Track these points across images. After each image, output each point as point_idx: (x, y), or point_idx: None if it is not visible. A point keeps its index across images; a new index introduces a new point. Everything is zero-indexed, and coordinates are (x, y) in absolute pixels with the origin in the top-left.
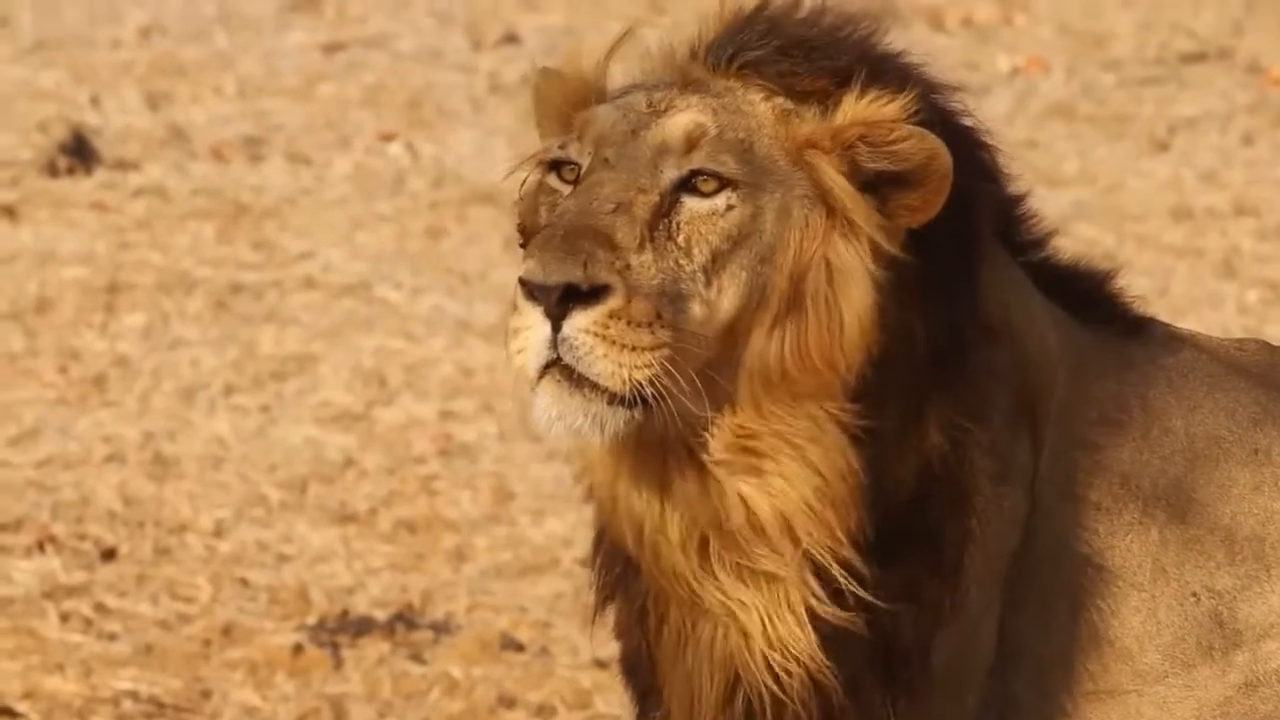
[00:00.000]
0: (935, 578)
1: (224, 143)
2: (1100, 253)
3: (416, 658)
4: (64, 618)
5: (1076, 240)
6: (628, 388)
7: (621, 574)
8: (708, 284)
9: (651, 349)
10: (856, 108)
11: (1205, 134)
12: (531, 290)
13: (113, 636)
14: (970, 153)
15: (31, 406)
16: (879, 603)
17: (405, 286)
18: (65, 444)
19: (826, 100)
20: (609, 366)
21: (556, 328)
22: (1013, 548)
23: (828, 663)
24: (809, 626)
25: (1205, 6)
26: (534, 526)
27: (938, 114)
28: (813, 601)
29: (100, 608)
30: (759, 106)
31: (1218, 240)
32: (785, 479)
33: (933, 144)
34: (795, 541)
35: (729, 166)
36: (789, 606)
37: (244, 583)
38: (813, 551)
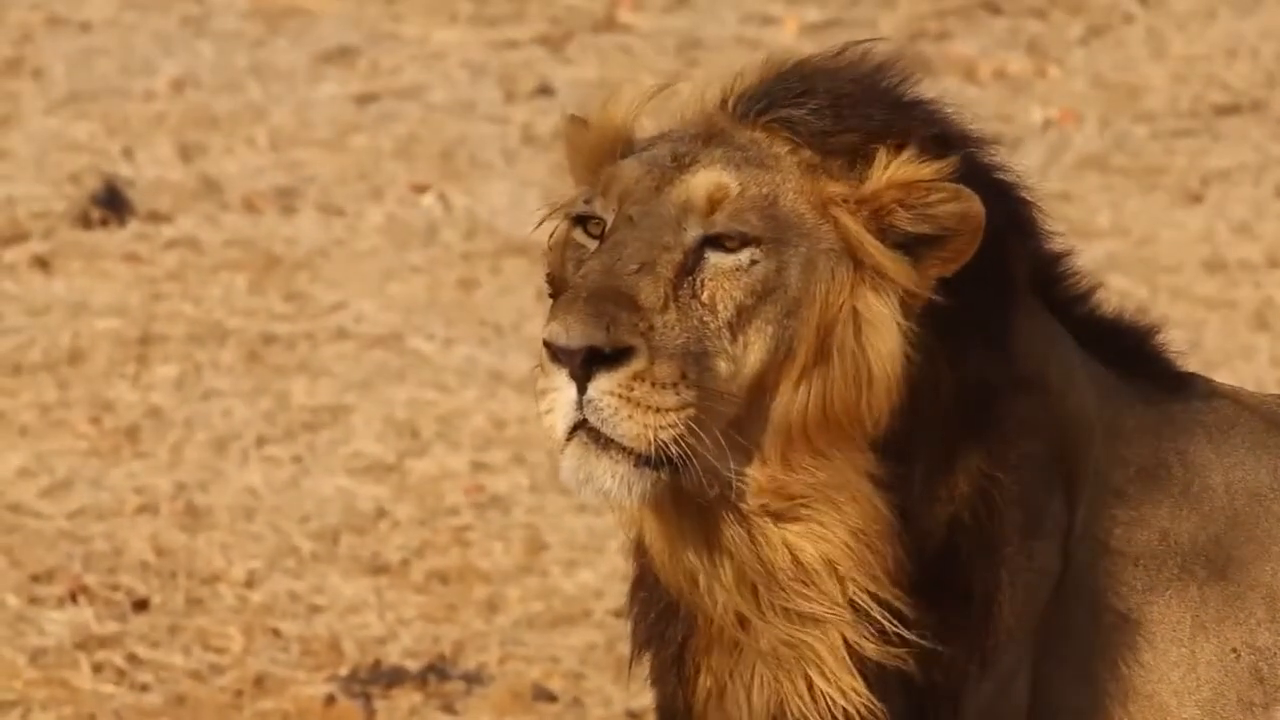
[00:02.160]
0: (965, 627)
1: (256, 194)
2: (1133, 305)
3: (449, 708)
4: (96, 668)
5: (1109, 292)
6: (653, 448)
7: (657, 621)
8: (733, 339)
9: (676, 409)
10: (891, 170)
11: (1238, 186)
12: (556, 353)
13: (145, 687)
14: (1005, 206)
15: (64, 457)
16: (923, 642)
17: (438, 338)
18: (98, 495)
19: (856, 155)
20: (634, 428)
21: (582, 389)
22: (1044, 600)
23: (878, 703)
24: (855, 667)
25: (1239, 59)
26: (566, 577)
27: (972, 167)
28: (861, 641)
29: (133, 658)
30: (785, 160)
31: (1251, 292)
32: (823, 525)
33: (968, 202)
34: (841, 583)
35: (751, 224)
36: (838, 648)
37: (276, 633)
38: (857, 594)
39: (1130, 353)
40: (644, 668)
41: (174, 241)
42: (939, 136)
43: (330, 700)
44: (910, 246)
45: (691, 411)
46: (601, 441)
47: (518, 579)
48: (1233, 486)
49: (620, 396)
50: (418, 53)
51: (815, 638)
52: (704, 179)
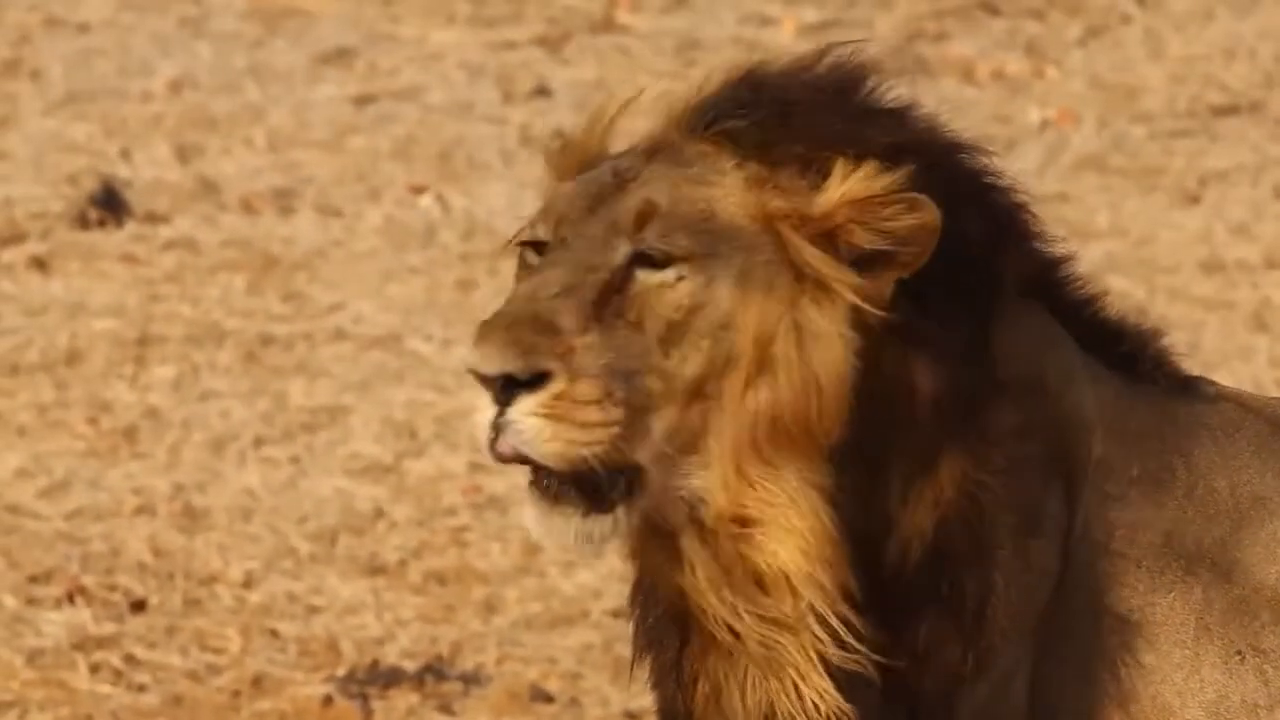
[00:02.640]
0: (957, 630)
1: (254, 195)
2: (1131, 305)
3: (446, 709)
4: (94, 669)
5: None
6: (573, 466)
7: (655, 625)
8: (665, 355)
9: (600, 425)
10: (846, 186)
11: (1236, 187)
12: (478, 378)
13: (142, 688)
14: (993, 212)
15: (61, 458)
16: (877, 656)
17: (436, 339)
18: (95, 495)
19: (806, 165)
20: (556, 446)
21: (504, 412)
22: (1043, 601)
23: (847, 705)
24: (825, 671)
25: (1237, 60)
26: (564, 578)
27: (953, 173)
28: (824, 648)
29: (130, 659)
30: (729, 173)
31: (1249, 293)
32: (776, 541)
33: (924, 213)
34: (794, 593)
35: (678, 241)
36: (808, 651)
37: (274, 634)
38: (815, 602)
39: (1133, 356)
40: (645, 670)
41: (172, 242)
42: (899, 145)
43: (328, 701)
44: (867, 259)
45: (617, 429)
46: (552, 496)
47: (515, 580)
48: (1238, 489)
49: (541, 416)
50: (415, 54)
51: (789, 641)
52: (634, 197)
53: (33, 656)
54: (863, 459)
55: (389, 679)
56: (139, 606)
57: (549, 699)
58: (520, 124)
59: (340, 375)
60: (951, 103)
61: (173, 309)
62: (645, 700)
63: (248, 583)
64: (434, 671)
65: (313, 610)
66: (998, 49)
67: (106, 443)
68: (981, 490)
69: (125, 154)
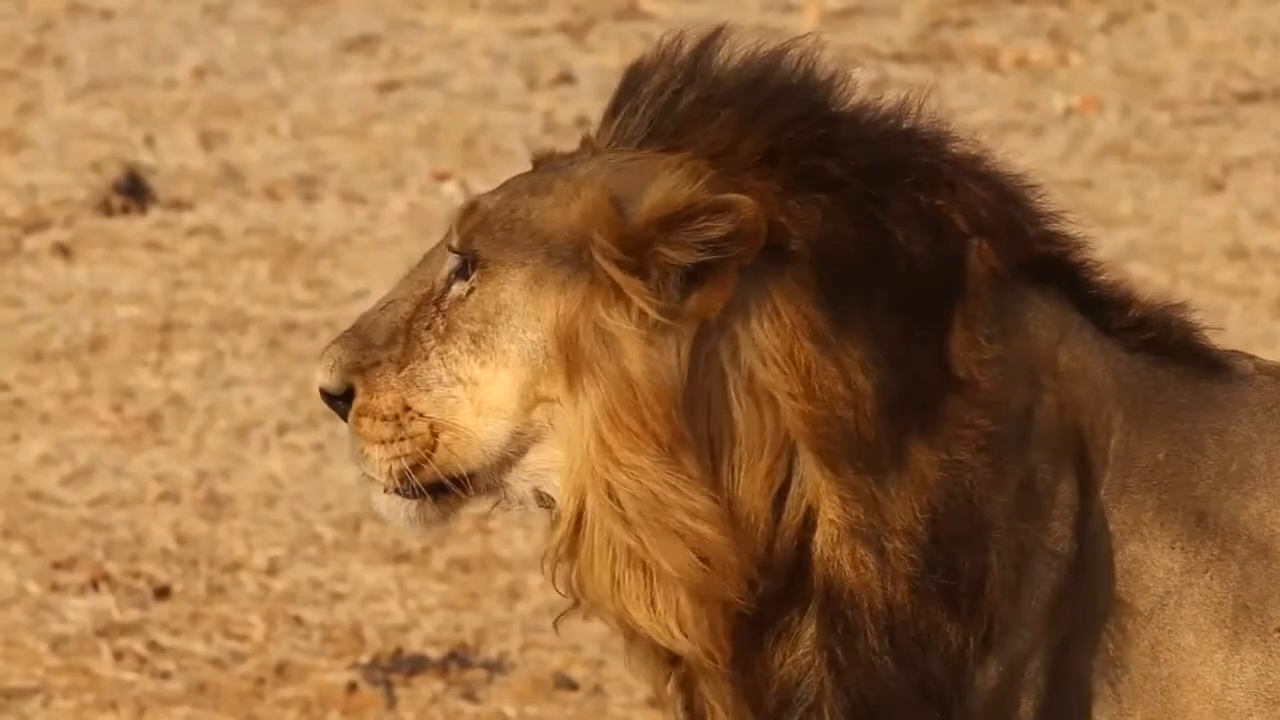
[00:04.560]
0: (954, 611)
1: (278, 182)
2: (1155, 292)
3: (470, 696)
4: (118, 656)
5: (1131, 280)
6: (392, 480)
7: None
8: (480, 363)
9: (401, 439)
10: (648, 202)
11: (1260, 173)
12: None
13: (166, 675)
14: (969, 204)
15: (85, 445)
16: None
17: None
18: (119, 483)
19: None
20: (372, 462)
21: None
22: (1057, 583)
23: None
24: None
25: (1260, 46)
26: None
27: (870, 165)
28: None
29: (154, 646)
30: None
31: (1272, 280)
32: (650, 539)
33: (735, 212)
34: (688, 630)
35: (473, 246)
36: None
37: (297, 621)
38: (709, 637)
39: (1158, 340)
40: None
41: (195, 229)
42: (776, 146)
43: (352, 688)
44: (693, 270)
45: (421, 441)
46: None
47: (539, 566)
48: (1275, 464)
49: (354, 433)
50: (439, 41)
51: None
52: (469, 203)
53: (56, 643)
54: (818, 454)
55: (413, 666)
56: (163, 593)
57: (573, 686)
58: (544, 111)
59: None
60: (975, 89)
61: (196, 296)
62: None
63: (271, 570)
64: (458, 659)
65: (336, 597)
66: (1021, 36)
67: (130, 430)
68: (964, 471)
69: (149, 141)
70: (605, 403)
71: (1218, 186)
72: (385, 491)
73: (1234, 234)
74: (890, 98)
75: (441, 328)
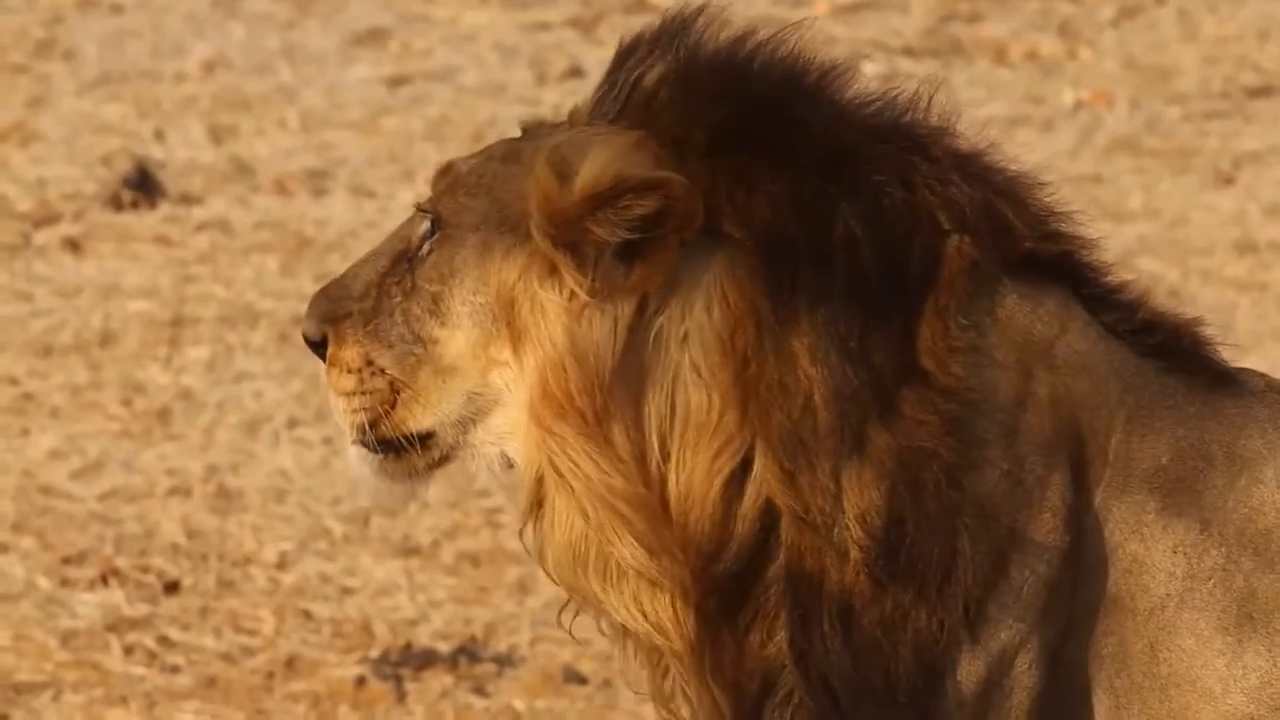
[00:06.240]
0: (921, 596)
1: (287, 176)
2: (1164, 287)
3: (480, 690)
4: (127, 650)
5: (1140, 275)
6: (355, 433)
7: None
8: (440, 323)
9: (360, 393)
10: (581, 179)
11: (1270, 168)
12: None
13: (176, 669)
14: (949, 199)
15: (95, 439)
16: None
17: None
18: (129, 477)
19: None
20: (340, 413)
21: None
22: (1047, 578)
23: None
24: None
25: (1271, 40)
26: None
27: (910, 153)
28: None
29: (163, 640)
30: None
31: None
32: (555, 510)
33: (662, 191)
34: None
35: (438, 208)
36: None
37: (307, 615)
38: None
39: (1167, 346)
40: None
41: (205, 223)
42: (737, 127)
43: (361, 682)
44: (625, 247)
45: (379, 395)
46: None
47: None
48: None
49: (327, 384)
50: (449, 34)
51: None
52: (448, 162)
53: (66, 638)
54: (765, 440)
55: (422, 660)
56: (172, 588)
57: (582, 680)
58: (553, 105)
59: None
60: (984, 83)
61: (206, 290)
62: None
63: (281, 564)
64: (467, 653)
65: (346, 591)
66: (1031, 30)
67: (140, 424)
68: (928, 457)
69: (159, 135)
70: (540, 370)
71: (1228, 181)
72: (352, 443)
73: (1244, 228)
74: (899, 91)
75: (409, 285)
